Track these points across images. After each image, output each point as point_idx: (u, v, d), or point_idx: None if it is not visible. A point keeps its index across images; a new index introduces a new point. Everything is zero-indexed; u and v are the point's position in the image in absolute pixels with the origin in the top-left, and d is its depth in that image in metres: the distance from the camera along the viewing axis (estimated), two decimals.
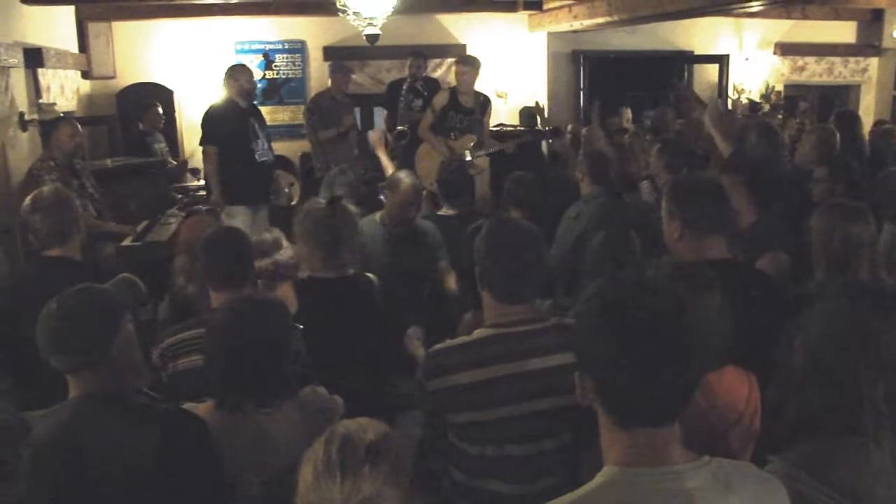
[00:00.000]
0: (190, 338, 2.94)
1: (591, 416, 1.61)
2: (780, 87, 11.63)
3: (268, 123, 9.79)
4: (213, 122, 6.61)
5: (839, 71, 11.92)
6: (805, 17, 10.89)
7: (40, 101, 7.04)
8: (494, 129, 9.68)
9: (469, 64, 7.26)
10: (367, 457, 1.65)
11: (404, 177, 4.69)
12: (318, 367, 2.81)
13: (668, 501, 1.45)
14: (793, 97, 11.35)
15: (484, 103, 7.34)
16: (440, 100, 7.22)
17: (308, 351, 2.71)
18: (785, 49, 11.65)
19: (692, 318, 1.49)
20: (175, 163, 8.47)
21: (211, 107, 6.79)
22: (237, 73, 6.76)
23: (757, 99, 11.24)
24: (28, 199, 3.67)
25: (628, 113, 9.70)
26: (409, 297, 4.29)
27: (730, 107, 10.72)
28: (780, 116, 10.02)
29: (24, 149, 6.52)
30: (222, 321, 2.44)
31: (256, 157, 6.70)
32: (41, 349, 2.22)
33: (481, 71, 9.79)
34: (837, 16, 11.18)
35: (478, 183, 6.38)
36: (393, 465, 1.67)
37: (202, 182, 7.45)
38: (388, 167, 5.56)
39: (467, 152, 7.10)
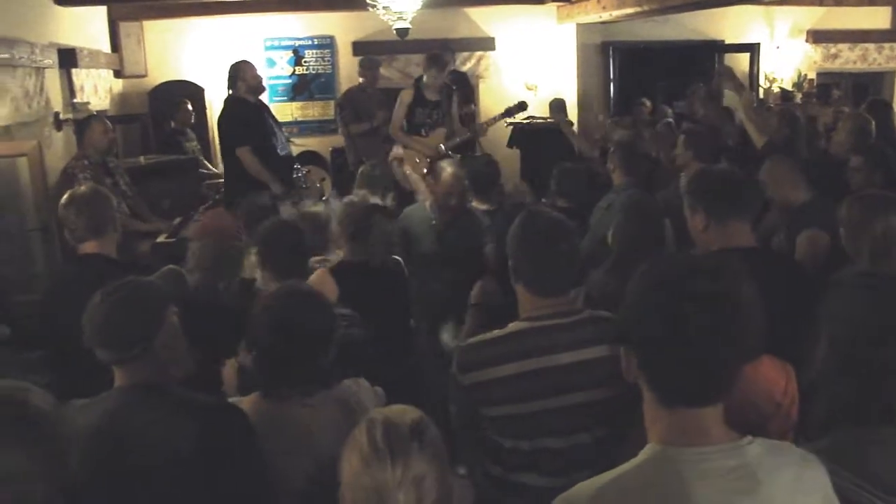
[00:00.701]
0: None
1: (628, 407, 1.61)
2: (812, 76, 11.49)
3: (298, 119, 9.94)
4: (235, 123, 6.44)
5: (873, 57, 11.74)
6: (838, 3, 10.74)
7: (74, 100, 7.14)
8: (524, 121, 9.68)
9: (436, 66, 7.14)
10: (413, 437, 1.68)
11: (446, 166, 4.77)
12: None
13: (711, 479, 1.45)
14: (826, 85, 11.21)
15: (448, 92, 7.31)
16: (406, 98, 7.17)
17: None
18: (817, 36, 11.50)
19: (742, 300, 1.48)
20: (213, 170, 8.52)
21: (225, 110, 6.60)
22: (241, 70, 6.49)
23: (789, 88, 11.12)
24: (65, 197, 3.72)
25: (648, 104, 9.64)
26: (456, 281, 4.36)
27: (761, 96, 10.62)
28: (812, 103, 9.92)
29: (59, 148, 6.62)
30: (263, 309, 2.47)
31: (278, 151, 6.58)
32: (86, 341, 2.26)
33: (510, 63, 9.93)
34: (871, 1, 11.01)
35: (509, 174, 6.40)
36: (434, 445, 1.71)
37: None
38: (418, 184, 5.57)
39: (442, 146, 7.08)
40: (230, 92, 6.50)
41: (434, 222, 4.71)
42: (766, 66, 11.26)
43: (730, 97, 7.59)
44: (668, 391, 1.51)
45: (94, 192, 3.79)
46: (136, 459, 2.11)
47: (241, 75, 6.46)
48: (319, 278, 3.53)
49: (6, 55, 5.55)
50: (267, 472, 2.28)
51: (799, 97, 10.71)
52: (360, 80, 8.23)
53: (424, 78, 7.16)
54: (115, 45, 8.85)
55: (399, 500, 1.65)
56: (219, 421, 2.25)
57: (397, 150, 7.11)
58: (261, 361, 2.44)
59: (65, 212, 3.64)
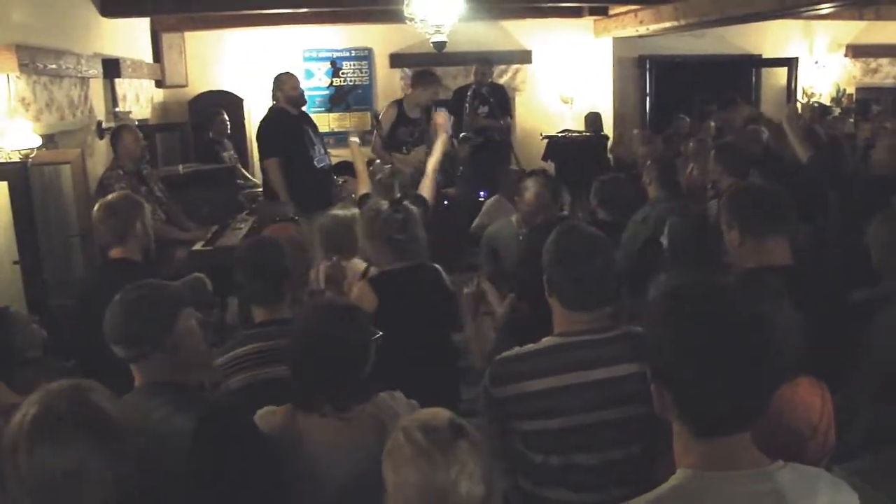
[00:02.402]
0: (236, 357, 2.98)
1: (663, 425, 1.61)
2: (851, 90, 11.38)
3: (335, 130, 10.02)
4: (269, 134, 6.56)
5: None
6: (879, 17, 10.62)
7: (116, 109, 7.25)
8: (560, 134, 9.69)
9: (424, 84, 7.18)
10: (455, 434, 1.70)
11: (531, 184, 4.78)
12: (398, 356, 2.94)
13: (749, 502, 1.45)
14: (865, 100, 11.09)
15: (427, 109, 7.33)
16: (388, 117, 7.17)
17: (390, 341, 2.79)
18: (857, 51, 11.39)
19: (769, 325, 1.48)
20: (252, 178, 8.62)
21: (264, 119, 6.71)
22: (282, 81, 6.62)
23: (827, 102, 11.01)
24: (97, 206, 3.83)
25: (686, 123, 9.59)
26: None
27: (799, 111, 10.53)
28: (851, 121, 9.81)
29: (101, 156, 6.73)
30: (304, 323, 2.51)
31: (315, 163, 6.64)
32: (106, 338, 2.34)
33: (547, 76, 9.92)
34: None
35: None
36: (476, 439, 1.73)
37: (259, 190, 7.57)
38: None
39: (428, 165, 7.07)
40: (273, 102, 6.59)
41: (521, 238, 4.71)
42: (805, 81, 11.18)
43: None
44: (700, 424, 1.51)
45: (120, 198, 3.89)
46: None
47: (280, 86, 6.57)
48: (359, 291, 3.51)
49: (53, 66, 5.66)
50: (272, 478, 2.30)
51: (837, 112, 10.61)
52: (405, 93, 8.27)
53: (411, 95, 7.20)
54: (158, 55, 8.98)
55: (459, 494, 1.66)
56: (216, 421, 2.27)
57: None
58: (296, 374, 2.46)
59: (94, 220, 3.76)
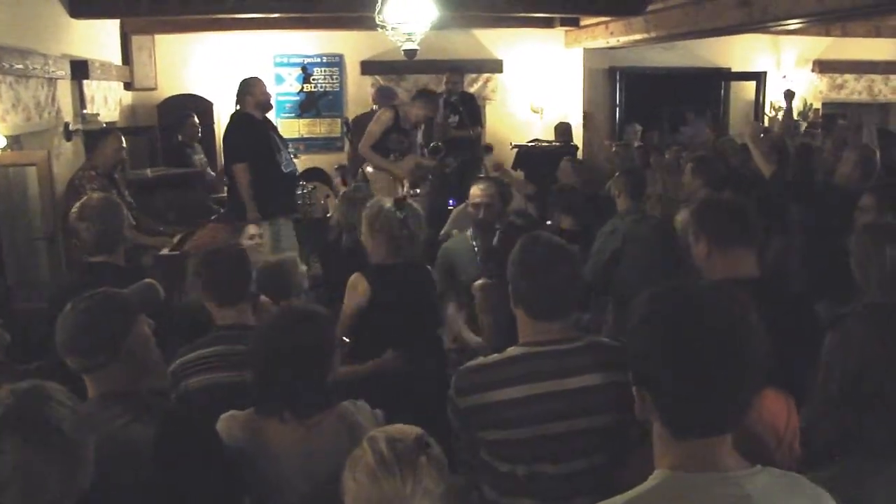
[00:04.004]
0: (200, 357, 2.95)
1: (625, 434, 1.62)
2: (818, 105, 11.54)
3: (305, 136, 10.00)
4: (237, 139, 6.51)
5: (879, 88, 11.78)
6: (845, 34, 10.80)
7: (84, 111, 7.18)
8: (530, 143, 9.74)
9: (424, 102, 7.23)
10: (419, 451, 1.71)
11: (480, 181, 4.91)
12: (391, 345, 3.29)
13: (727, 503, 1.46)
14: (831, 115, 11.25)
15: (416, 122, 7.38)
16: (384, 120, 7.15)
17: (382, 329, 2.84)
18: (823, 66, 11.56)
19: (750, 330, 1.50)
20: (214, 174, 8.59)
21: (230, 125, 6.66)
22: (251, 86, 6.55)
23: (794, 117, 11.15)
24: (76, 207, 3.74)
25: (636, 128, 9.71)
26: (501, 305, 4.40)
27: (766, 125, 10.67)
28: (816, 133, 9.96)
29: (67, 158, 6.65)
30: (267, 327, 2.49)
31: (282, 168, 6.59)
32: (58, 350, 2.29)
33: (517, 86, 9.96)
34: (878, 33, 11.04)
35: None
36: (440, 460, 1.74)
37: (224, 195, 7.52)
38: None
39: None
40: (237, 107, 6.55)
41: (476, 248, 4.73)
42: (772, 95, 11.30)
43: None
44: (681, 426, 1.52)
45: (104, 203, 3.81)
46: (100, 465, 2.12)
47: (250, 90, 6.51)
48: (354, 280, 3.70)
49: (20, 66, 5.60)
50: (231, 483, 2.29)
51: (804, 127, 10.75)
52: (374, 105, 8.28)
53: (409, 107, 7.21)
54: (127, 57, 8.92)
55: None
56: (175, 429, 2.25)
57: (367, 170, 7.15)
58: (256, 380, 2.44)
59: (77, 224, 3.67)
